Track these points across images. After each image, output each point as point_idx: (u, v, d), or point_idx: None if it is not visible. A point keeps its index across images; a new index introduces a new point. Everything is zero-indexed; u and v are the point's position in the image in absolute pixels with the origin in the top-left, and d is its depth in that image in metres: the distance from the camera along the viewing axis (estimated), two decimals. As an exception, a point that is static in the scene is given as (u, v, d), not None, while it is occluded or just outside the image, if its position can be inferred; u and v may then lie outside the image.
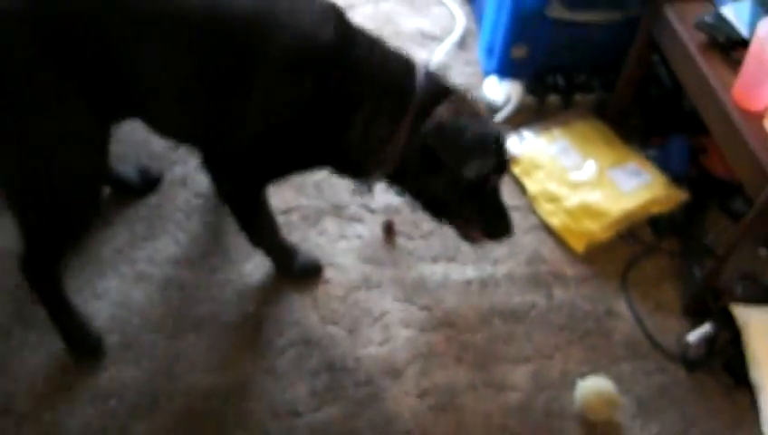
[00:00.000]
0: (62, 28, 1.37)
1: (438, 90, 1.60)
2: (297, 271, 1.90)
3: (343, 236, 2.00)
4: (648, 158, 2.13)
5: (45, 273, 1.65)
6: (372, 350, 1.80)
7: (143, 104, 1.57)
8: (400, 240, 2.00)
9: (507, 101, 2.26)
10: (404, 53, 1.64)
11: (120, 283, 1.86)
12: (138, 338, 1.77)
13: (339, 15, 1.60)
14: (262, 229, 1.83)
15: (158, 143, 2.13)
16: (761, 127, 1.64)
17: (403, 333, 1.83)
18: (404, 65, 1.62)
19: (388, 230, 2.00)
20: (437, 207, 1.68)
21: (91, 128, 1.49)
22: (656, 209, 2.02)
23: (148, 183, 2.02)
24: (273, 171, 1.72)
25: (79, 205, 1.58)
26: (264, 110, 1.53)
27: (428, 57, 2.38)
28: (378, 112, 1.57)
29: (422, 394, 1.74)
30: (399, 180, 1.66)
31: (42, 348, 1.74)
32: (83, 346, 1.76)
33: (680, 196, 2.04)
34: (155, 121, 1.64)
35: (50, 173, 1.49)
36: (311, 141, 1.62)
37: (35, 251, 1.62)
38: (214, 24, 1.47)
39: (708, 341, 1.80)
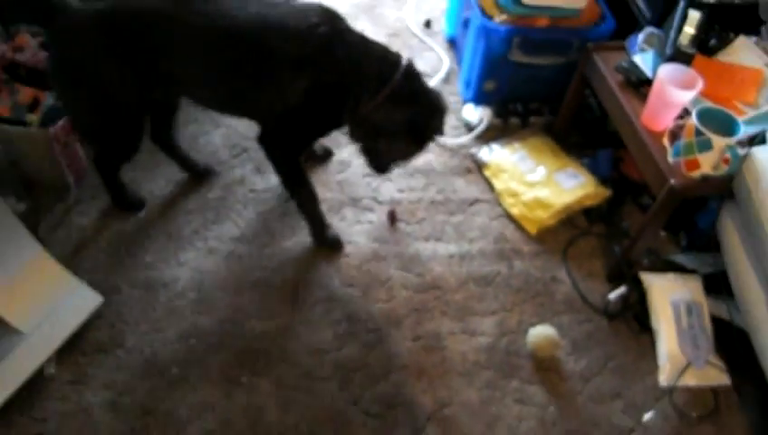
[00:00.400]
0: (126, 34, 1.64)
1: (406, 85, 1.71)
2: (329, 240, 1.99)
3: (358, 222, 2.08)
4: (583, 165, 2.20)
5: (107, 168, 1.98)
6: (379, 306, 1.88)
7: (185, 88, 1.83)
8: (401, 225, 2.07)
9: (480, 122, 2.34)
10: (392, 51, 1.75)
11: (196, 255, 1.95)
12: (209, 295, 1.86)
13: (332, 18, 1.72)
14: (305, 195, 1.93)
15: (223, 152, 2.25)
16: (660, 143, 1.75)
17: (402, 294, 1.91)
18: (386, 62, 1.72)
19: (392, 218, 2.07)
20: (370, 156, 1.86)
21: (134, 98, 1.76)
22: (588, 203, 2.10)
23: (206, 173, 2.17)
24: (301, 139, 1.87)
25: (124, 138, 1.88)
26: (281, 96, 1.70)
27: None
28: (361, 96, 1.70)
29: (416, 338, 1.82)
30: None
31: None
32: (127, 204, 2.05)
33: (605, 193, 2.11)
34: (194, 99, 1.89)
35: (106, 118, 1.80)
36: (321, 116, 1.79)
37: (100, 157, 1.95)
38: (232, 34, 1.66)
39: (623, 299, 1.89)
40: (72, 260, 1.90)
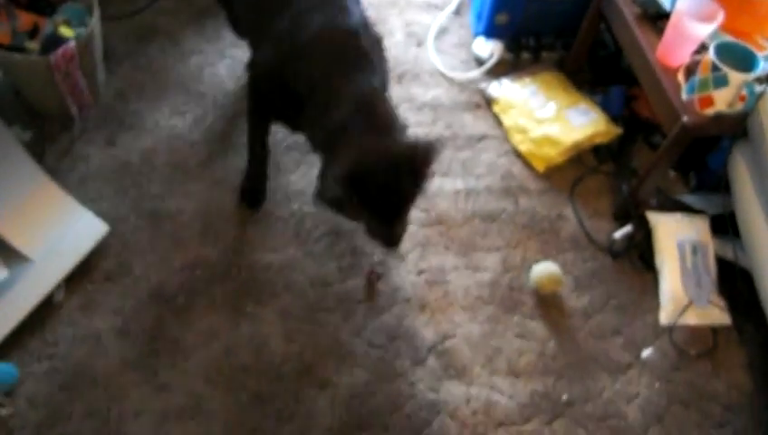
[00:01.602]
0: None
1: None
2: (242, 192, 1.90)
3: (364, 157, 2.10)
4: (595, 102, 2.14)
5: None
6: (384, 239, 1.91)
7: None
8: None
9: (491, 56, 2.27)
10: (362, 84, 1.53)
11: (201, 186, 1.94)
12: (215, 226, 1.86)
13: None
14: (249, 138, 1.87)
15: (228, 84, 2.19)
16: (675, 79, 1.70)
17: (407, 229, 1.89)
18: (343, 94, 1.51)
19: (371, 281, 1.80)
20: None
21: None
22: (598, 140, 2.06)
23: None
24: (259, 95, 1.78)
25: None
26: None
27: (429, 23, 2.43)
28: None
29: (419, 272, 1.83)
30: None
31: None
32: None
33: (616, 131, 2.07)
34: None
35: None
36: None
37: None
38: None
39: (629, 237, 1.88)
40: (78, 190, 1.90)
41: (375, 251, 1.84)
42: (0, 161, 1.71)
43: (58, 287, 1.72)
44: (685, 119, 1.61)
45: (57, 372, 1.61)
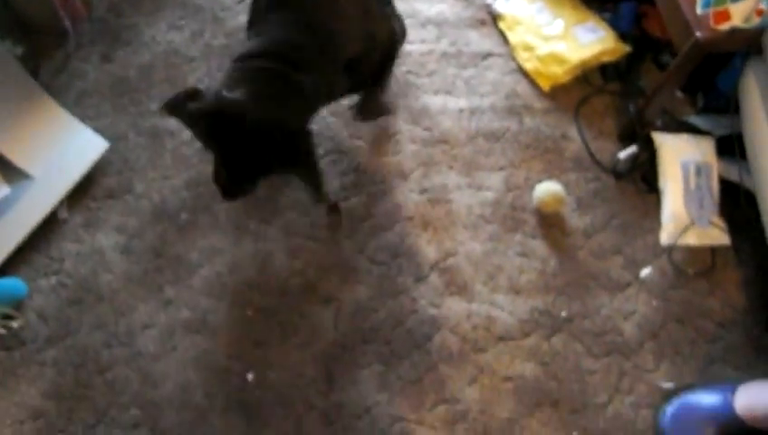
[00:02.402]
0: None
1: None
2: None
3: (367, 74, 2.03)
4: (603, 19, 2.05)
5: None
6: (387, 158, 1.85)
7: None
8: (410, 77, 1.99)
9: None
10: None
11: None
12: None
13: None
14: None
15: None
16: None
17: (410, 147, 1.88)
18: None
19: (333, 209, 1.76)
20: None
21: None
22: (605, 59, 1.99)
23: None
24: None
25: None
26: None
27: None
28: None
29: (422, 191, 1.81)
30: None
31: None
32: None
33: (625, 49, 1.99)
34: None
35: None
36: None
37: None
38: None
39: (633, 158, 1.84)
40: (76, 107, 1.86)
41: (377, 170, 1.83)
42: (-5, 76, 1.67)
43: (61, 204, 1.71)
44: (698, 34, 1.54)
45: (64, 288, 1.63)
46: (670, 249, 1.75)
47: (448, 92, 1.98)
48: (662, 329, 1.66)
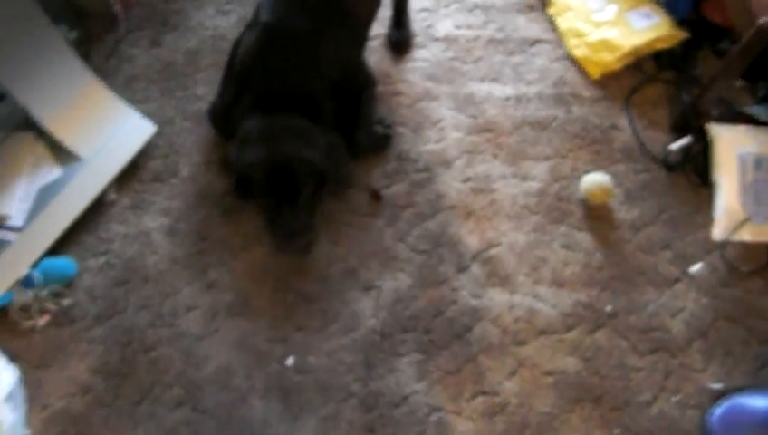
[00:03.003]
0: None
1: None
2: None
3: (411, 59, 1.98)
4: (659, 3, 1.98)
5: None
6: (430, 146, 1.83)
7: None
8: (455, 63, 1.96)
9: None
10: None
11: None
12: None
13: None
14: None
15: None
16: None
17: (454, 135, 1.85)
18: None
19: (375, 196, 1.76)
20: None
21: None
22: (660, 46, 1.91)
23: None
24: None
25: None
26: None
27: None
28: None
29: (465, 180, 1.79)
30: None
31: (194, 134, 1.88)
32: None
33: (681, 35, 1.92)
34: None
35: None
36: None
37: None
38: None
39: (686, 149, 1.78)
40: (124, 91, 1.89)
41: (420, 157, 1.80)
42: (50, 61, 1.70)
43: (109, 187, 1.74)
44: (762, 20, 1.46)
45: (112, 268, 1.66)
46: (723, 245, 1.68)
47: (494, 79, 1.94)
48: (712, 328, 1.60)
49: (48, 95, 1.69)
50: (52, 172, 1.72)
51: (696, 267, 1.68)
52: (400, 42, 1.99)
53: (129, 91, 1.90)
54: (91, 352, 1.57)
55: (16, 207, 1.66)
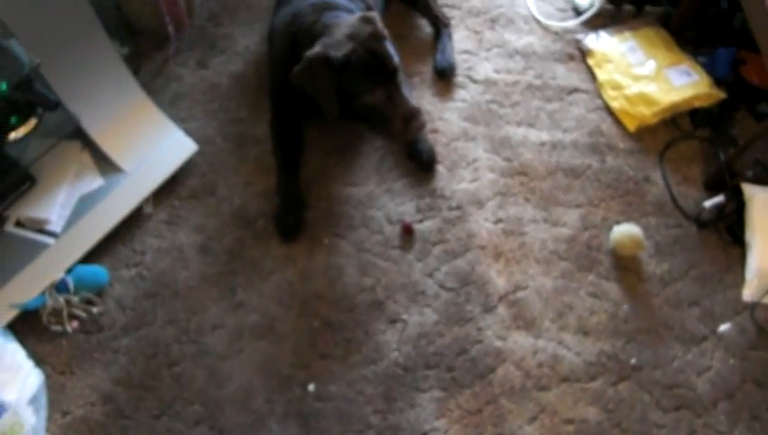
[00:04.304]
0: None
1: None
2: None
3: (451, 99, 2.00)
4: (698, 62, 2.00)
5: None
6: (464, 185, 1.84)
7: None
8: (493, 106, 1.98)
9: (591, 6, 2.16)
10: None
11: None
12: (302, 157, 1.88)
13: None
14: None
15: None
16: None
17: (488, 176, 1.87)
18: None
19: (406, 230, 1.77)
20: None
21: None
22: (697, 104, 1.94)
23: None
24: None
25: None
26: None
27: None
28: None
29: (497, 221, 1.79)
30: None
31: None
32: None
33: (719, 95, 1.94)
34: None
35: None
36: None
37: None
38: None
39: (719, 208, 1.78)
40: (169, 109, 1.93)
41: (453, 195, 1.82)
42: (103, 75, 1.75)
43: (147, 200, 1.77)
44: (804, 87, 1.49)
45: (143, 280, 1.68)
46: (753, 307, 1.67)
47: (531, 125, 1.96)
48: (739, 390, 1.57)
49: (98, 107, 1.74)
50: (95, 182, 1.76)
51: (724, 327, 1.66)
52: (445, 67, 2.02)
53: (174, 109, 1.95)
54: (116, 362, 1.58)
55: (57, 213, 1.70)
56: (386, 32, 1.66)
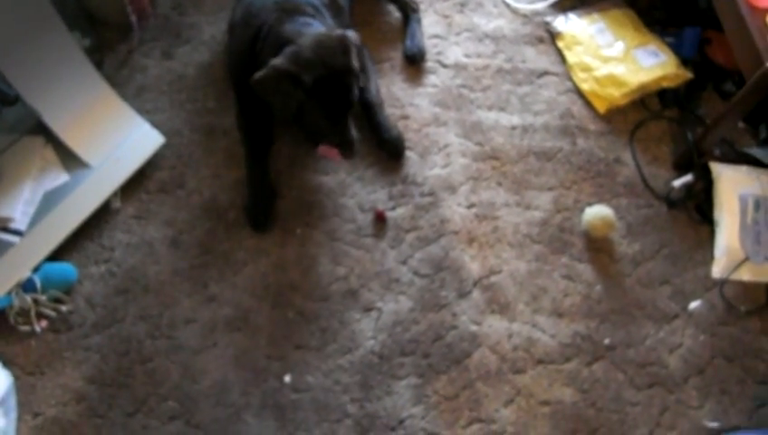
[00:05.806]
0: None
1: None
2: None
3: (421, 84, 1.99)
4: (666, 43, 2.01)
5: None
6: (436, 171, 1.84)
7: None
8: (464, 91, 1.97)
9: None
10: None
11: None
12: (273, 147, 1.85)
13: None
14: None
15: None
16: (762, 21, 1.56)
17: (460, 161, 1.86)
18: None
19: (379, 218, 1.76)
20: None
21: None
22: (665, 84, 1.94)
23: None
24: None
25: None
26: None
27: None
28: None
29: (470, 206, 1.79)
30: None
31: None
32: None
33: (686, 75, 1.94)
34: None
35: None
36: None
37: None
38: None
39: (688, 187, 1.80)
40: (135, 101, 1.89)
41: (425, 181, 1.81)
42: (63, 67, 1.71)
43: (115, 195, 1.74)
44: (768, 64, 1.50)
45: (113, 276, 1.66)
46: (722, 284, 1.69)
47: (502, 109, 1.95)
48: (709, 365, 1.60)
49: (60, 101, 1.70)
50: (59, 177, 1.72)
51: (694, 304, 1.68)
52: (415, 53, 2.01)
53: (140, 101, 1.91)
54: (87, 361, 1.55)
55: (21, 211, 1.65)
56: (359, 60, 1.63)
